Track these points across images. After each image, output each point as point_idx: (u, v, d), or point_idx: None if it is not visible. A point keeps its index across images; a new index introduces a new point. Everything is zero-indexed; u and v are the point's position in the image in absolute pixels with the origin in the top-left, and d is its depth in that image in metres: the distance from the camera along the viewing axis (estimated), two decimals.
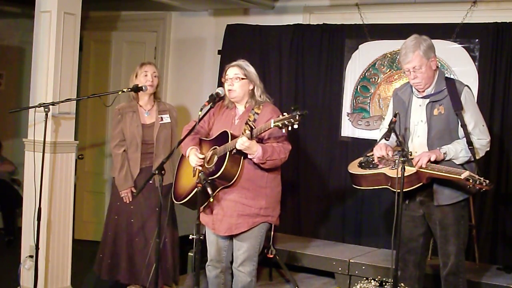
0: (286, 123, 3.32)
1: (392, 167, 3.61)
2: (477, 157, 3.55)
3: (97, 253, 4.58)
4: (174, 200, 3.88)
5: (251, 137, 3.49)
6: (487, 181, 3.28)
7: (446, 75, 3.96)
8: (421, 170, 3.43)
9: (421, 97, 3.65)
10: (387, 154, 3.62)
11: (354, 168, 3.85)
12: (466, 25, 4.90)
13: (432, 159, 3.45)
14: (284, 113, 3.38)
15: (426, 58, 3.54)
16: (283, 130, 3.37)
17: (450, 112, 3.55)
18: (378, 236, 5.22)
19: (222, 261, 3.83)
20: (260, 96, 3.77)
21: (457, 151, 3.52)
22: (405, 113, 3.70)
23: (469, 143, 3.51)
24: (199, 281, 3.52)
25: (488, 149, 3.64)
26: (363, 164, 3.82)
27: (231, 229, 3.68)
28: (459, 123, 3.53)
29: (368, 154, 3.81)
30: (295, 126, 3.32)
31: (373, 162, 3.72)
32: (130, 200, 4.41)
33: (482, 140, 3.58)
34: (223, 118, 3.82)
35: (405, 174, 3.33)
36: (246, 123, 3.64)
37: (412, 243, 3.71)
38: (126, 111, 4.44)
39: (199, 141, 3.85)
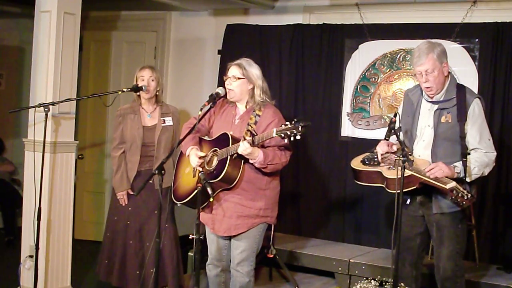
0: (289, 133, 3.29)
1: (391, 167, 3.62)
2: (469, 179, 3.48)
3: (99, 254, 4.58)
4: (175, 201, 3.84)
5: (252, 144, 3.48)
6: (469, 195, 3.29)
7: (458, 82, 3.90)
8: (414, 174, 3.43)
9: (430, 101, 3.63)
10: (388, 152, 3.62)
11: (356, 162, 3.87)
12: (466, 25, 4.90)
13: (444, 175, 3.40)
14: (287, 123, 3.34)
15: (439, 62, 3.51)
16: (285, 140, 3.34)
17: (456, 122, 3.51)
18: (378, 236, 5.22)
19: (223, 260, 3.83)
20: (260, 96, 3.71)
21: (469, 169, 3.48)
22: (412, 116, 3.69)
23: (464, 155, 3.48)
24: (199, 281, 3.52)
25: (494, 164, 3.57)
26: (366, 160, 3.83)
27: (230, 230, 3.68)
28: (461, 134, 3.49)
29: (374, 151, 3.81)
30: (298, 137, 3.29)
31: (376, 158, 3.72)
32: (126, 202, 4.39)
33: (490, 153, 3.53)
34: (223, 116, 3.81)
35: (399, 176, 3.32)
36: (248, 129, 3.59)
37: (409, 242, 3.71)
38: (127, 113, 4.41)
39: (199, 140, 3.83)
